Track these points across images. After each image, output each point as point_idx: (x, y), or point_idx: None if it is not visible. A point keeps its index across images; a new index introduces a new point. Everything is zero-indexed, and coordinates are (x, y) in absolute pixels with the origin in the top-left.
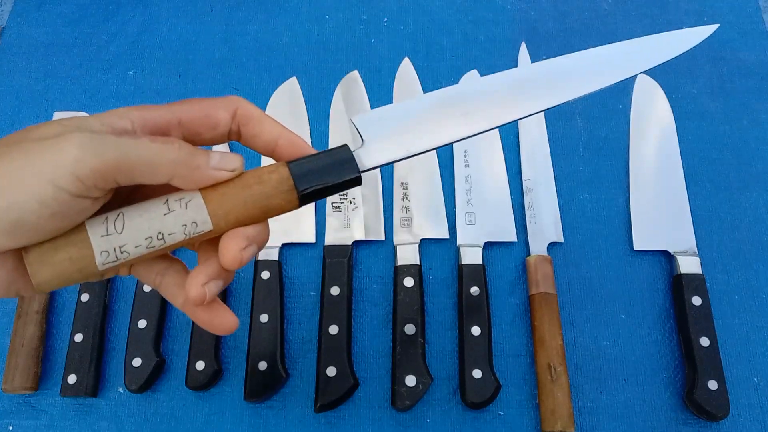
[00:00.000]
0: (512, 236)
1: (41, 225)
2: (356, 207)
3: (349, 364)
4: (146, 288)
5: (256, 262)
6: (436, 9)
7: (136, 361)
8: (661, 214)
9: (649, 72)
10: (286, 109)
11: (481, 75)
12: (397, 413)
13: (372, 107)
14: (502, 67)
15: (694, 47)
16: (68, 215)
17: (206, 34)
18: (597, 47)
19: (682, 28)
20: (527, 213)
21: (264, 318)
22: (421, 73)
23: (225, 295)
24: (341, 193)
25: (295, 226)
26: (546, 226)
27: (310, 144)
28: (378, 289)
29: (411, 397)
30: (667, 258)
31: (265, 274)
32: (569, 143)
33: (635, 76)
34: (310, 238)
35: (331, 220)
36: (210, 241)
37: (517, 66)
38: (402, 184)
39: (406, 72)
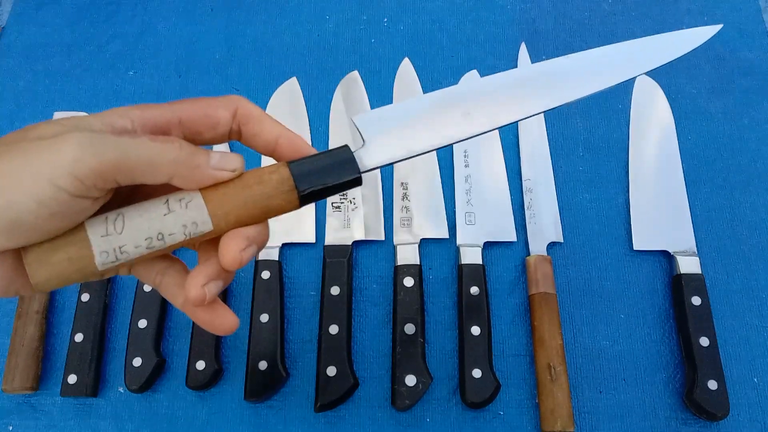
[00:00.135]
0: (512, 236)
1: (40, 225)
2: (356, 207)
3: (349, 364)
4: (146, 288)
5: (257, 262)
6: (436, 9)
7: (137, 361)
8: (660, 214)
9: (649, 72)
10: (286, 110)
11: (481, 75)
12: (397, 413)
13: (372, 107)
14: (502, 67)
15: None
16: (67, 215)
17: (206, 35)
18: (598, 48)
19: (682, 28)
20: (527, 213)
21: (264, 318)
22: (421, 73)
23: (225, 295)
24: (341, 193)
25: (295, 226)
26: (546, 226)
27: (310, 144)
28: (378, 289)
29: (411, 396)
30: (666, 258)
31: (266, 274)
32: (569, 143)
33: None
34: (311, 238)
35: (331, 220)
36: (210, 242)
37: (517, 66)
38: (402, 184)
39: (406, 72)
